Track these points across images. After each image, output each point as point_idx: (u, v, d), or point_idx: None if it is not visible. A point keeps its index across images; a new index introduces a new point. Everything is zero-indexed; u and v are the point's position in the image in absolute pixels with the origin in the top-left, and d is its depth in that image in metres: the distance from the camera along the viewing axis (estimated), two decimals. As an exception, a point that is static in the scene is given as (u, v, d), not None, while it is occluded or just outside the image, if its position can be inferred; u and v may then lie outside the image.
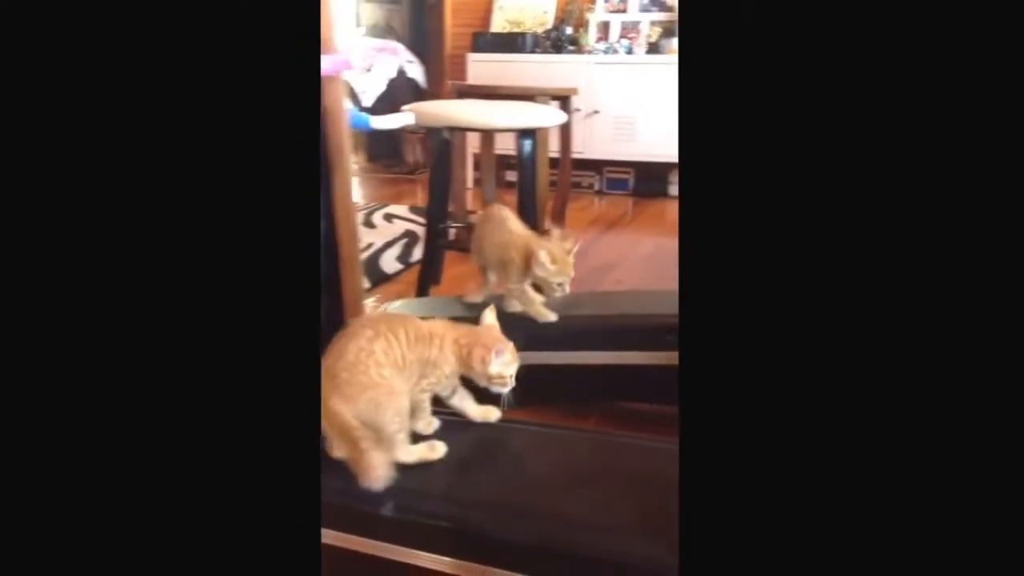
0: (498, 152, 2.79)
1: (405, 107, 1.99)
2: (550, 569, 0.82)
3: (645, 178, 3.86)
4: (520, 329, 1.08)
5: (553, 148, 2.91)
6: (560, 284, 1.35)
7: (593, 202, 3.73)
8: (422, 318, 1.00)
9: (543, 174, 1.94)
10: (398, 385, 0.92)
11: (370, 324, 0.96)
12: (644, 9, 3.88)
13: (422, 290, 1.95)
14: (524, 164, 1.86)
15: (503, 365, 0.97)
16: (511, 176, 3.24)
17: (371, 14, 4.70)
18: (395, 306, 1.56)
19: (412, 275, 2.20)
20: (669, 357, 1.35)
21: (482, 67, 3.85)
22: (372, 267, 2.46)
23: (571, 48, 3.89)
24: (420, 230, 2.26)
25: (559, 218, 2.71)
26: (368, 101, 3.68)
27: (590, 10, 3.96)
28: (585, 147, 3.67)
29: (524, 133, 1.83)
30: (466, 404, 1.03)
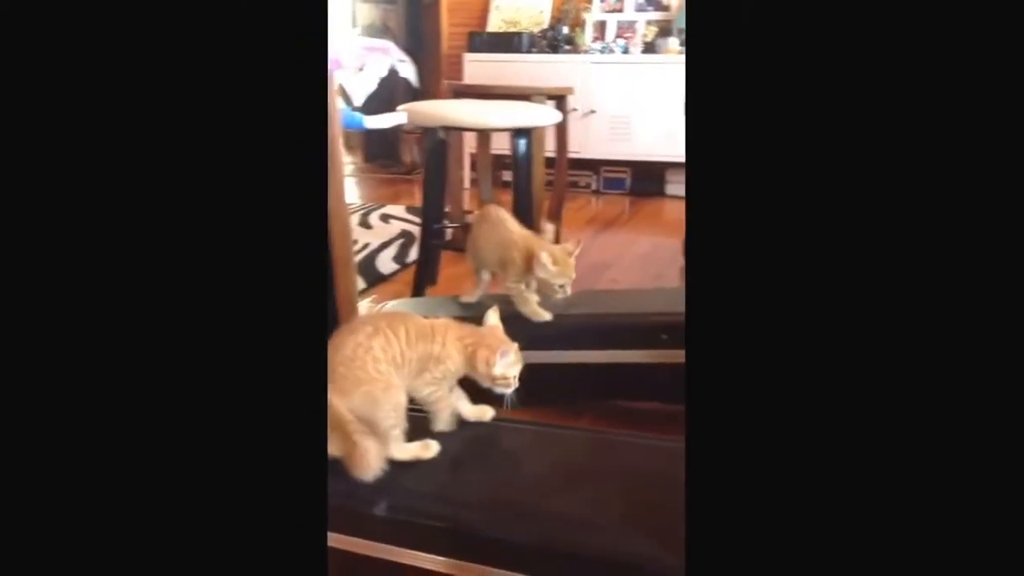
0: (495, 152, 2.79)
1: (400, 107, 1.99)
2: (545, 568, 0.81)
3: (642, 177, 3.86)
4: (521, 329, 1.08)
5: (549, 148, 2.91)
6: (562, 286, 1.35)
7: (590, 201, 3.74)
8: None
9: (539, 173, 1.94)
10: (395, 381, 0.92)
11: (369, 321, 0.96)
12: (640, 9, 3.88)
13: (418, 290, 1.95)
14: (519, 163, 1.86)
15: (507, 366, 0.97)
16: (508, 176, 3.24)
17: (367, 14, 4.70)
18: (391, 306, 1.56)
19: (408, 275, 2.20)
20: (665, 355, 1.36)
21: (478, 67, 3.86)
22: (368, 267, 2.46)
23: (567, 48, 3.89)
24: (416, 230, 2.26)
25: (556, 217, 2.71)
26: (359, 100, 3.69)
27: (586, 10, 3.96)
28: (582, 147, 3.67)
29: (519, 132, 1.83)
30: (461, 404, 1.03)
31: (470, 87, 2.84)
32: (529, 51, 3.87)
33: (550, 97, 2.50)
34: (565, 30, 3.93)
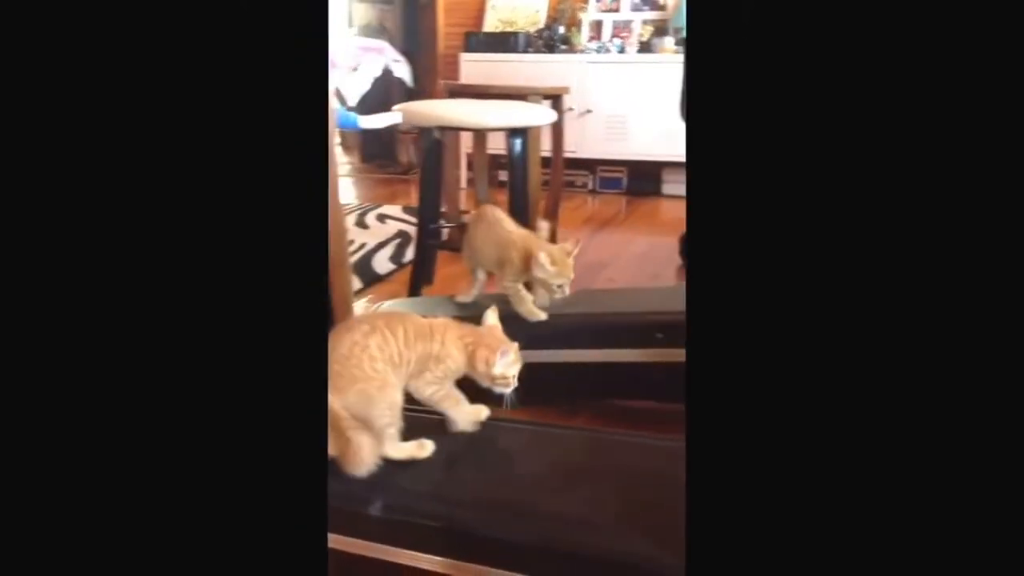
0: (491, 152, 2.79)
1: (396, 107, 1.99)
2: (542, 567, 0.81)
3: (638, 177, 3.86)
4: (517, 329, 1.08)
5: (546, 147, 2.91)
6: (560, 286, 1.35)
7: (587, 201, 3.74)
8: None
9: (535, 173, 1.94)
10: (391, 380, 0.92)
11: (367, 320, 0.96)
12: (636, 8, 3.88)
13: (414, 290, 1.95)
14: (515, 163, 1.86)
15: (506, 366, 0.97)
16: (505, 176, 3.24)
17: (363, 14, 4.70)
18: (387, 306, 1.56)
19: (405, 275, 2.20)
20: (660, 354, 1.36)
21: (475, 67, 3.86)
22: (364, 268, 2.46)
23: (563, 47, 3.89)
24: (413, 230, 2.26)
25: (552, 217, 2.71)
26: (353, 100, 3.68)
27: (582, 9, 3.96)
28: (578, 146, 3.67)
29: (514, 132, 1.83)
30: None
31: (466, 87, 2.84)
32: (525, 51, 3.87)
33: (546, 97, 2.51)
34: (561, 30, 3.92)
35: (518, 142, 1.84)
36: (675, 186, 3.80)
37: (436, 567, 0.85)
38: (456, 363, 0.98)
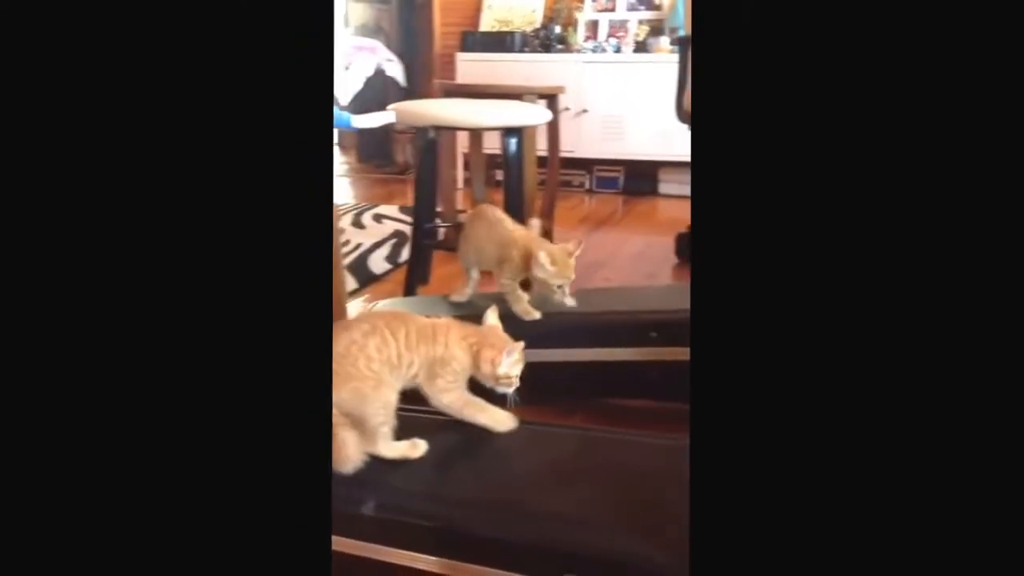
0: (487, 151, 2.79)
1: (390, 106, 1.99)
2: (536, 566, 0.81)
3: (634, 176, 3.86)
4: (511, 328, 1.08)
5: (542, 147, 2.91)
6: (560, 286, 1.35)
7: (583, 200, 3.74)
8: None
9: (530, 172, 1.94)
10: (387, 380, 0.92)
11: (368, 319, 0.96)
12: (632, 8, 3.88)
13: (409, 290, 1.95)
14: (509, 162, 1.86)
15: (511, 365, 0.97)
16: (501, 175, 3.24)
17: (360, 14, 4.69)
18: (381, 305, 1.56)
19: (401, 275, 2.20)
20: (654, 353, 1.36)
21: (471, 66, 3.85)
22: (360, 267, 2.45)
23: (560, 47, 3.89)
24: (409, 230, 2.26)
25: (547, 216, 2.71)
26: (345, 99, 3.68)
27: (578, 9, 3.96)
28: (575, 146, 3.67)
29: (509, 131, 1.83)
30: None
31: (461, 86, 2.85)
32: (522, 50, 3.87)
33: (541, 96, 2.51)
34: (557, 29, 3.93)
35: (513, 141, 1.84)
36: (671, 185, 3.80)
37: (430, 567, 0.85)
38: (462, 364, 0.97)
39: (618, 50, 3.80)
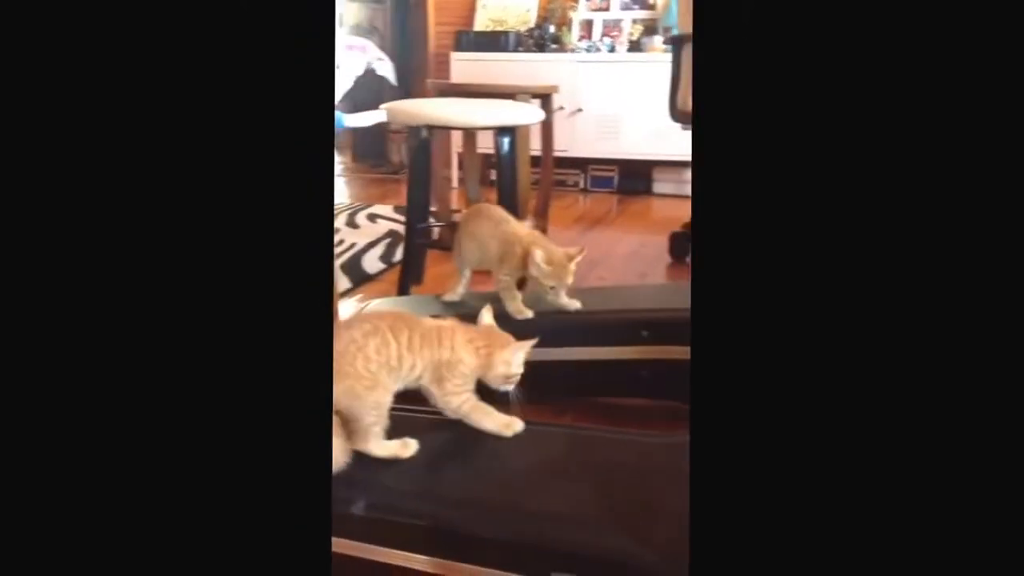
0: (482, 151, 2.79)
1: (383, 106, 1.99)
2: (528, 565, 0.82)
3: (629, 176, 3.87)
4: (505, 327, 1.08)
5: (536, 146, 2.91)
6: (553, 288, 1.35)
7: (578, 200, 3.74)
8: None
9: (524, 172, 1.94)
10: (383, 381, 0.92)
11: (370, 319, 0.95)
12: (626, 7, 3.89)
13: (403, 289, 1.95)
14: (503, 162, 1.86)
15: (519, 364, 0.98)
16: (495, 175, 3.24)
17: (354, 14, 4.69)
18: (374, 305, 1.56)
19: (395, 275, 2.20)
20: (646, 351, 1.36)
21: (465, 66, 3.85)
22: (354, 267, 2.45)
23: (554, 47, 3.89)
24: (403, 230, 2.26)
25: (541, 215, 2.72)
26: (335, 98, 3.68)
27: (572, 8, 3.96)
28: (569, 145, 3.68)
29: (502, 131, 1.83)
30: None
31: (454, 86, 2.85)
32: (516, 50, 3.87)
33: (535, 96, 2.51)
34: (552, 29, 3.93)
35: (506, 141, 1.84)
36: (665, 185, 3.80)
37: (423, 566, 0.85)
38: (468, 367, 0.97)
39: (612, 49, 3.80)
